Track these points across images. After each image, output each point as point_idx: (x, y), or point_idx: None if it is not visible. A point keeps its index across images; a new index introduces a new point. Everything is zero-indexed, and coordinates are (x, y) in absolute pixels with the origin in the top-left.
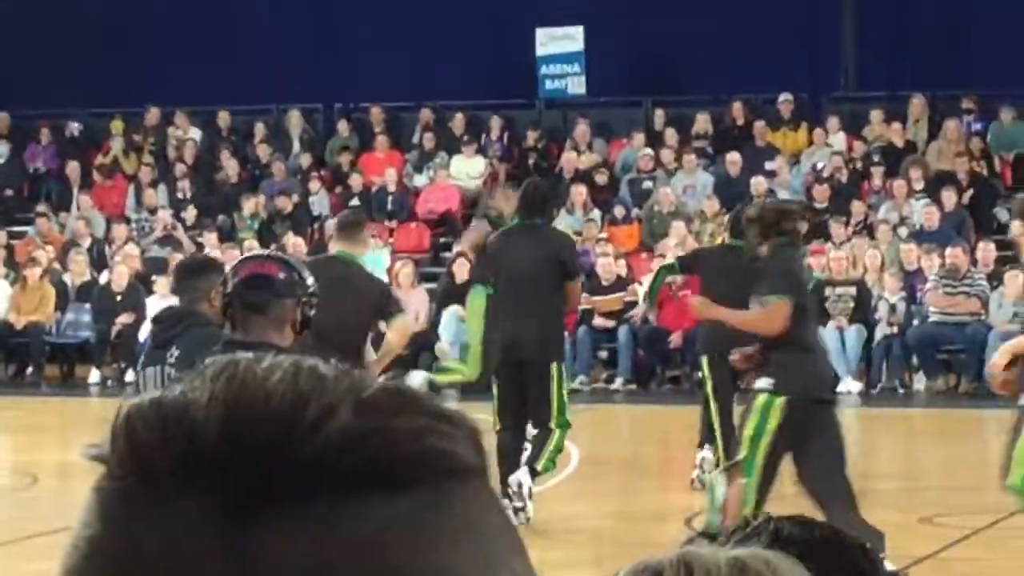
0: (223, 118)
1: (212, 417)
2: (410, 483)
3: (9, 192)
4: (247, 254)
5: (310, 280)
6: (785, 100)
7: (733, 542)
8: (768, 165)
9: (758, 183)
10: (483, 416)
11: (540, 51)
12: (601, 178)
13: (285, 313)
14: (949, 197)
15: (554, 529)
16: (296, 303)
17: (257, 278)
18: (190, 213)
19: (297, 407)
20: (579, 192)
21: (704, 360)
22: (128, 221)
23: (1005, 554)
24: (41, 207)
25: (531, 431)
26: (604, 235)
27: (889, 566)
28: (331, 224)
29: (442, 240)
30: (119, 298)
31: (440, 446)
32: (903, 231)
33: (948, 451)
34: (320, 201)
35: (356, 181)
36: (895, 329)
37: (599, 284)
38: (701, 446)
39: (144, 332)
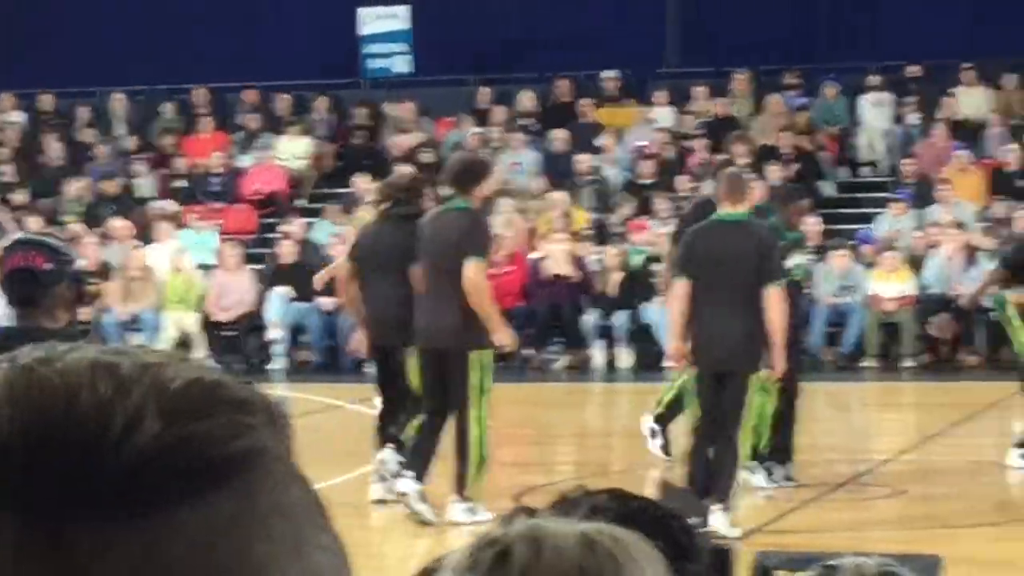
0: (46, 101)
1: (15, 432)
2: (220, 482)
3: None
4: (12, 239)
5: (77, 259)
6: (610, 77)
7: (549, 515)
8: (594, 142)
9: (585, 160)
10: None
11: (364, 30)
12: (427, 157)
13: (56, 300)
14: (774, 171)
15: None
16: (67, 286)
17: (22, 272)
18: (15, 196)
19: (102, 417)
20: (403, 172)
21: None
22: None
23: (833, 523)
24: None
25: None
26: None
27: (732, 531)
28: (155, 206)
29: (268, 221)
30: None
31: (246, 443)
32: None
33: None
34: (145, 184)
35: (181, 163)
36: None
37: None
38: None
39: None
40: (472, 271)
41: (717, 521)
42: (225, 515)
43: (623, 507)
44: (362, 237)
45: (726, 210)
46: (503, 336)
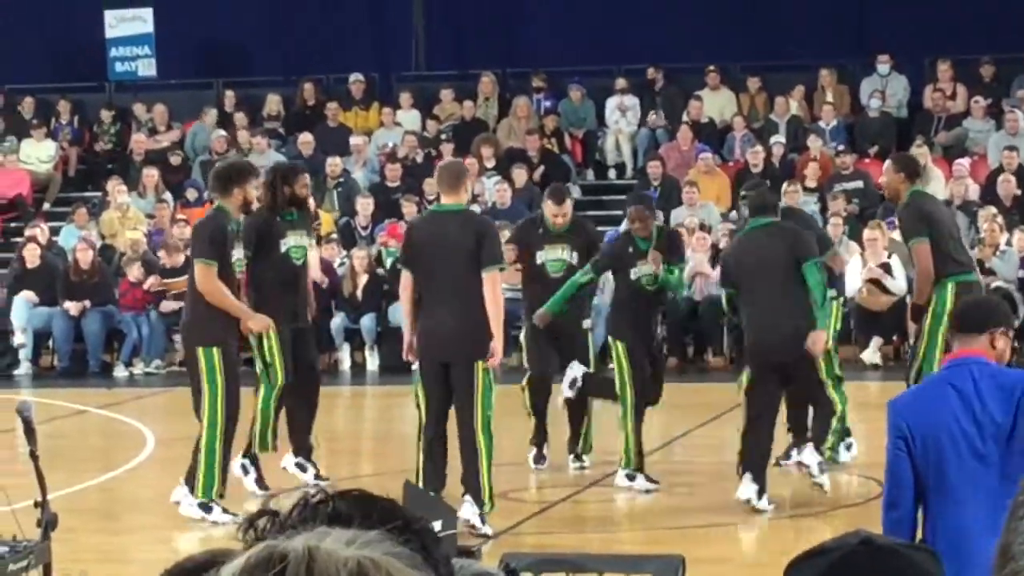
0: None
1: None
2: None
3: None
4: None
5: None
6: (356, 80)
7: (292, 518)
8: (343, 145)
9: (333, 163)
10: None
11: (109, 33)
12: (175, 159)
13: None
14: (520, 174)
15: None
16: None
17: None
18: None
19: None
20: (150, 175)
21: None
22: None
23: (578, 527)
24: None
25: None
26: (183, 216)
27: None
28: None
29: (12, 225)
30: None
31: None
32: (476, 208)
33: (523, 428)
34: None
35: None
36: None
37: (166, 267)
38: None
39: None
40: (199, 273)
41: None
42: None
43: (367, 509)
44: None
45: (446, 201)
46: (256, 322)
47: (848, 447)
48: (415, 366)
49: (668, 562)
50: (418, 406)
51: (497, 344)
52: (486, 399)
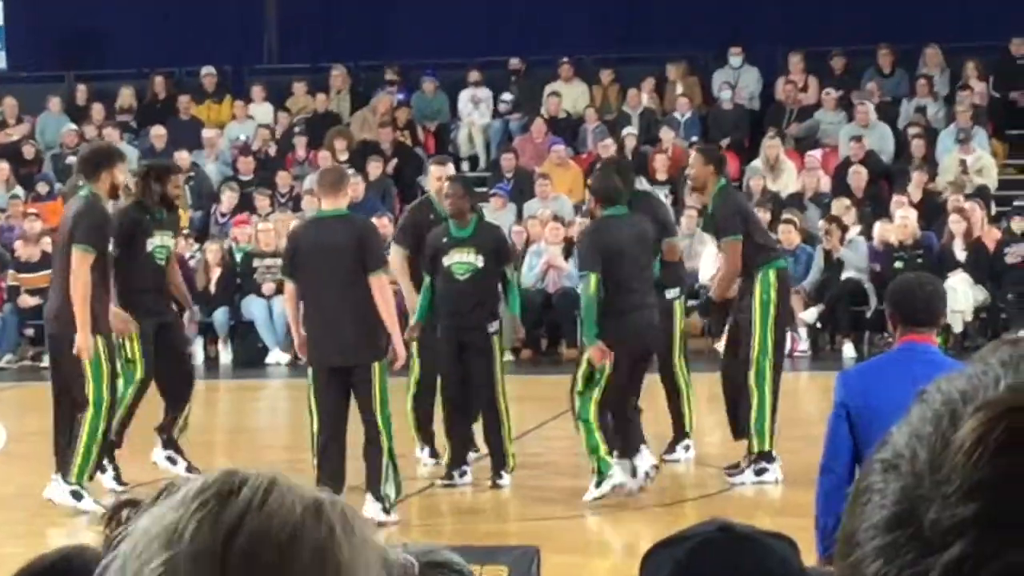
0: None
1: None
2: None
3: None
4: None
5: None
6: (208, 73)
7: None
8: (196, 138)
9: (181, 157)
10: None
11: None
12: (29, 151)
13: None
14: (375, 167)
15: None
16: None
17: None
18: None
19: None
20: (0, 168)
21: None
22: None
23: (433, 518)
24: None
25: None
26: (35, 211)
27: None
28: None
29: None
30: None
31: None
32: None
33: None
34: None
35: None
36: None
37: (22, 262)
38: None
39: None
40: (76, 259)
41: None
42: None
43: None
44: None
45: (326, 206)
46: (83, 337)
47: (687, 448)
48: (308, 371)
49: (523, 552)
50: (310, 410)
51: (397, 344)
52: (384, 398)
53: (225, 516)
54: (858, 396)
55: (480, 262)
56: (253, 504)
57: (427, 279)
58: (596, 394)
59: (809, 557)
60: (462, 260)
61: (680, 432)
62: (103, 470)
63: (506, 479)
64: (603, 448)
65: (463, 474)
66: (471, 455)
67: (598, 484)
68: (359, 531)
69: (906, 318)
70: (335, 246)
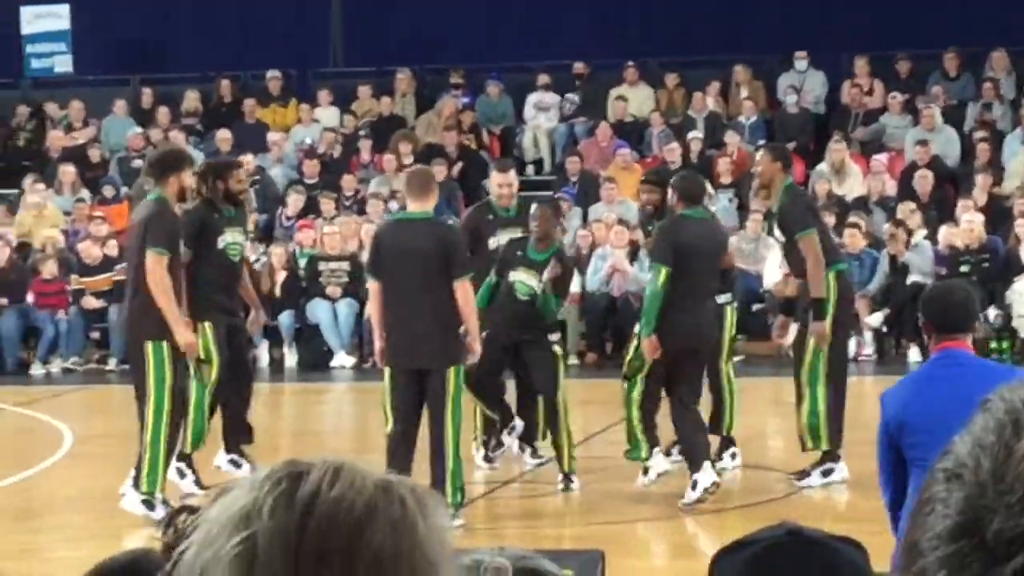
0: None
1: None
2: None
3: None
4: None
5: None
6: (274, 76)
7: None
8: (261, 142)
9: (246, 160)
10: None
11: (25, 29)
12: (95, 155)
13: None
14: (440, 171)
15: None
16: None
17: None
18: None
19: None
20: (67, 172)
21: None
22: None
23: (506, 516)
24: None
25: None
26: (100, 214)
27: None
28: None
29: None
30: None
31: None
32: (394, 205)
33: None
34: None
35: None
36: None
37: (87, 265)
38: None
39: None
40: (150, 262)
41: None
42: None
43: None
44: None
45: (412, 208)
46: (183, 335)
47: (733, 456)
48: (385, 372)
49: (588, 556)
50: (385, 410)
51: (475, 342)
52: (457, 404)
53: (300, 494)
54: (899, 413)
55: (540, 289)
56: (324, 482)
57: (493, 278)
58: (639, 385)
59: (880, 562)
60: (526, 282)
61: (722, 438)
62: (181, 475)
63: (576, 484)
64: (639, 429)
65: (512, 430)
66: (532, 460)
67: (644, 472)
68: (432, 510)
69: (940, 326)
70: (418, 249)
